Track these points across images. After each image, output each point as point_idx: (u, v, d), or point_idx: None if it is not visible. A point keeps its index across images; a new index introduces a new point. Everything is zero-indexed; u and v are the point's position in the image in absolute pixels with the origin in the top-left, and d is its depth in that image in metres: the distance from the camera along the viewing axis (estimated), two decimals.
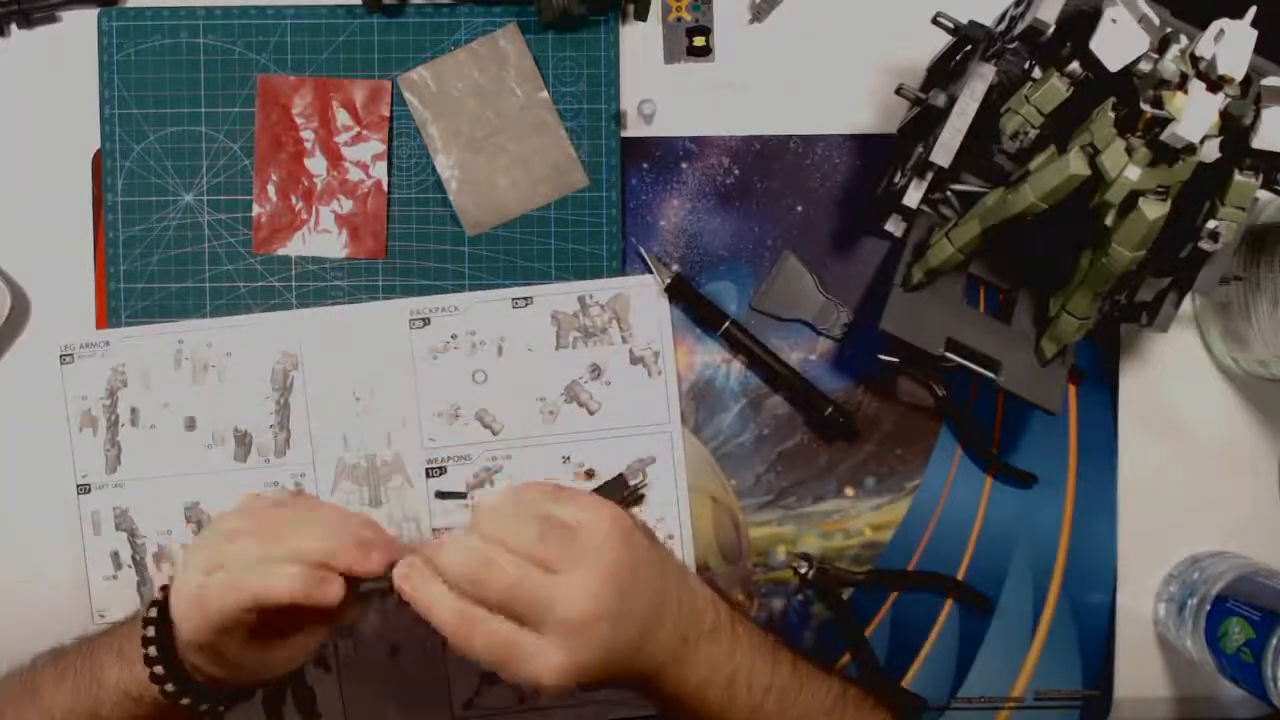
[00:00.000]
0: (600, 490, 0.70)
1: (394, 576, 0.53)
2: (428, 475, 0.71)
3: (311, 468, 0.71)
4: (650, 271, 0.72)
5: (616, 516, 0.54)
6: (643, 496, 0.70)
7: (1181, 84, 0.53)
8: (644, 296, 0.72)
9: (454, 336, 0.72)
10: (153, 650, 0.55)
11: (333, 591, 0.52)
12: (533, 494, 0.55)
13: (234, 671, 0.55)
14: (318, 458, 0.71)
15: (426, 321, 0.72)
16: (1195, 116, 0.52)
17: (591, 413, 0.72)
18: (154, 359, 0.71)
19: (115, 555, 0.71)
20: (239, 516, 0.56)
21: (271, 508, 0.57)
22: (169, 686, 0.55)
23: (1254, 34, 0.53)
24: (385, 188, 0.72)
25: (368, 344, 0.72)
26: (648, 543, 0.55)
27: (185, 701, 0.55)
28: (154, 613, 0.56)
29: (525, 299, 0.72)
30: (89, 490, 0.71)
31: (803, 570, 0.72)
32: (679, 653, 0.54)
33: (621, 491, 0.70)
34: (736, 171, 0.74)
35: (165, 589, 0.57)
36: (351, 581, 0.53)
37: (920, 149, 0.65)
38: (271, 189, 0.72)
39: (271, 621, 0.53)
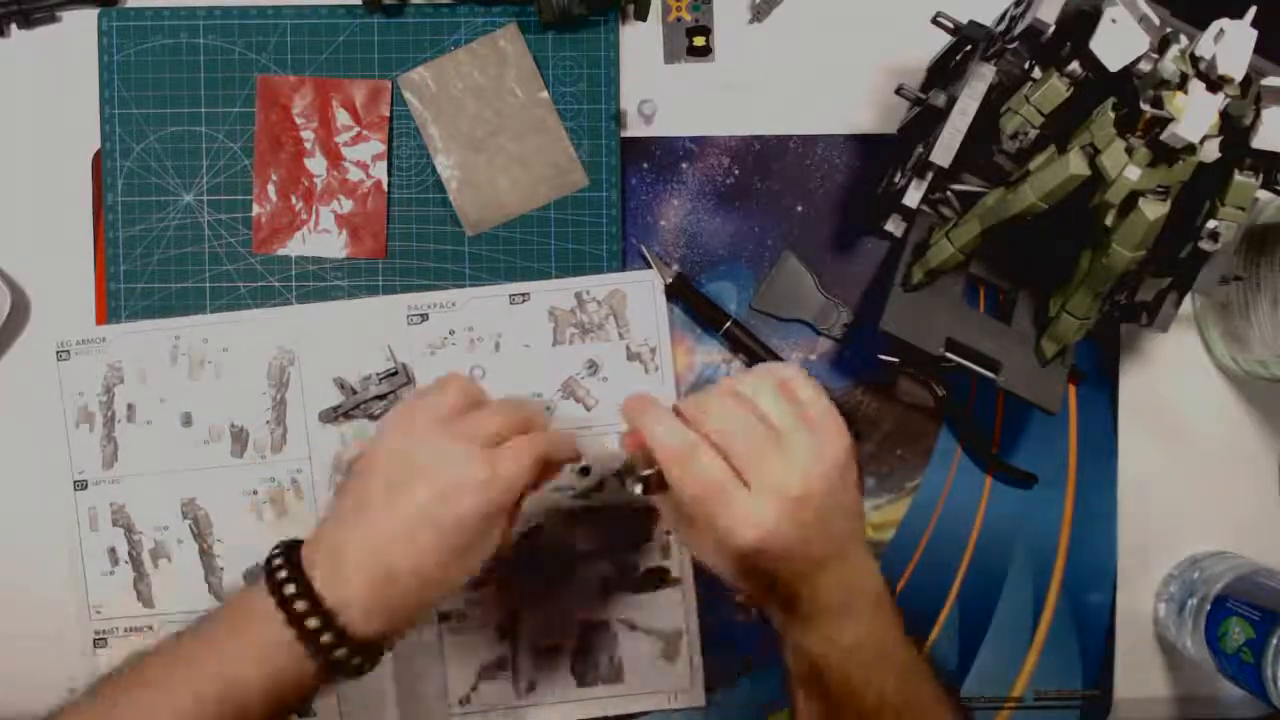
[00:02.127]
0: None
1: (623, 405, 0.55)
2: None
3: (308, 463, 0.71)
4: (649, 267, 0.72)
5: (846, 435, 0.54)
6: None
7: (1181, 84, 0.53)
8: (641, 292, 0.72)
9: (451, 332, 0.72)
10: (300, 605, 0.50)
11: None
12: (793, 372, 0.55)
13: (418, 607, 0.52)
14: (314, 453, 0.71)
15: (424, 317, 0.72)
16: (1195, 116, 0.52)
17: (589, 408, 0.72)
18: (150, 355, 0.71)
19: (112, 551, 0.71)
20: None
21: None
22: (325, 638, 0.50)
23: (1254, 34, 0.53)
24: (385, 188, 0.72)
25: (365, 339, 0.72)
26: (857, 479, 0.55)
27: (340, 653, 0.50)
28: (285, 573, 0.51)
29: (523, 295, 0.72)
30: (86, 486, 0.71)
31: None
32: (837, 610, 0.53)
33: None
34: (736, 171, 0.74)
35: (281, 553, 0.52)
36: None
37: (920, 149, 0.65)
38: (271, 189, 0.72)
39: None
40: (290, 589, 0.50)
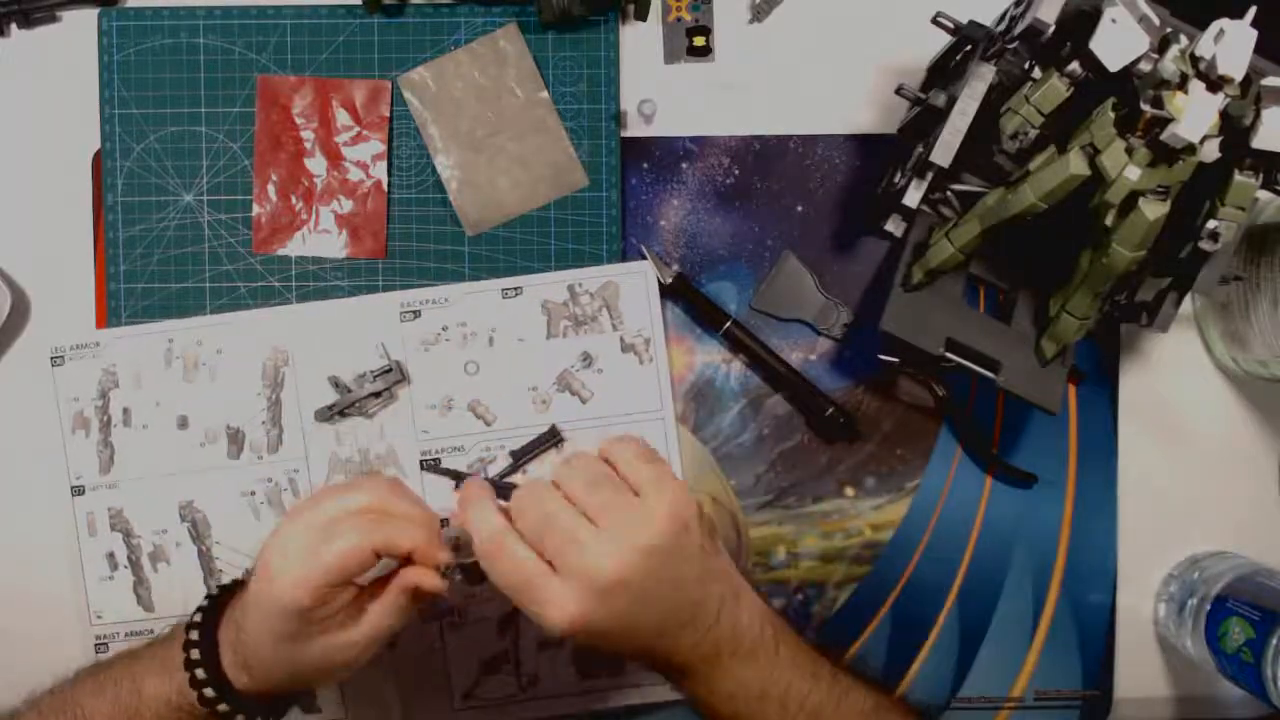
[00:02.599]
0: (533, 443, 0.71)
1: (460, 492, 0.56)
2: (422, 468, 0.71)
3: (304, 463, 0.71)
4: (642, 259, 0.72)
5: (680, 503, 0.53)
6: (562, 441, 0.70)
7: (1181, 84, 0.53)
8: (634, 284, 0.72)
9: (445, 328, 0.72)
10: (195, 654, 0.55)
11: (445, 555, 0.55)
12: (621, 449, 0.56)
13: (283, 676, 0.55)
14: (310, 453, 0.71)
15: (417, 314, 0.72)
16: (1195, 116, 0.52)
17: (584, 401, 0.72)
18: (145, 358, 0.71)
19: (111, 556, 0.71)
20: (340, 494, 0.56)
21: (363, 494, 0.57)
22: (209, 691, 0.55)
23: (1254, 34, 0.53)
24: (385, 188, 0.72)
25: (358, 337, 0.72)
26: (702, 543, 0.54)
27: (223, 709, 0.55)
28: (198, 617, 0.56)
29: (515, 289, 0.72)
30: (83, 492, 0.71)
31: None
32: (711, 660, 0.54)
33: (555, 439, 0.71)
34: (736, 171, 0.74)
35: (213, 597, 0.58)
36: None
37: (920, 149, 0.65)
38: (271, 189, 0.72)
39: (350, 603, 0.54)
40: (194, 634, 0.56)
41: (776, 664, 0.55)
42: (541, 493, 0.53)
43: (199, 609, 0.58)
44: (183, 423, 0.71)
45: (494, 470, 0.71)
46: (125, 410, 0.71)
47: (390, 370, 0.71)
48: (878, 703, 0.58)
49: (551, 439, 0.71)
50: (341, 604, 0.54)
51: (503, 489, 0.70)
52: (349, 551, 0.52)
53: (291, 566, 0.52)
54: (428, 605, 0.57)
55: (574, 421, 0.72)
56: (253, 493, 0.71)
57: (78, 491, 0.71)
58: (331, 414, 0.71)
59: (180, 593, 0.71)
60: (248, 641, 0.55)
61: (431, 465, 0.71)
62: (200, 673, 0.55)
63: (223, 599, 0.58)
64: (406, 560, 0.55)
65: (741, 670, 0.55)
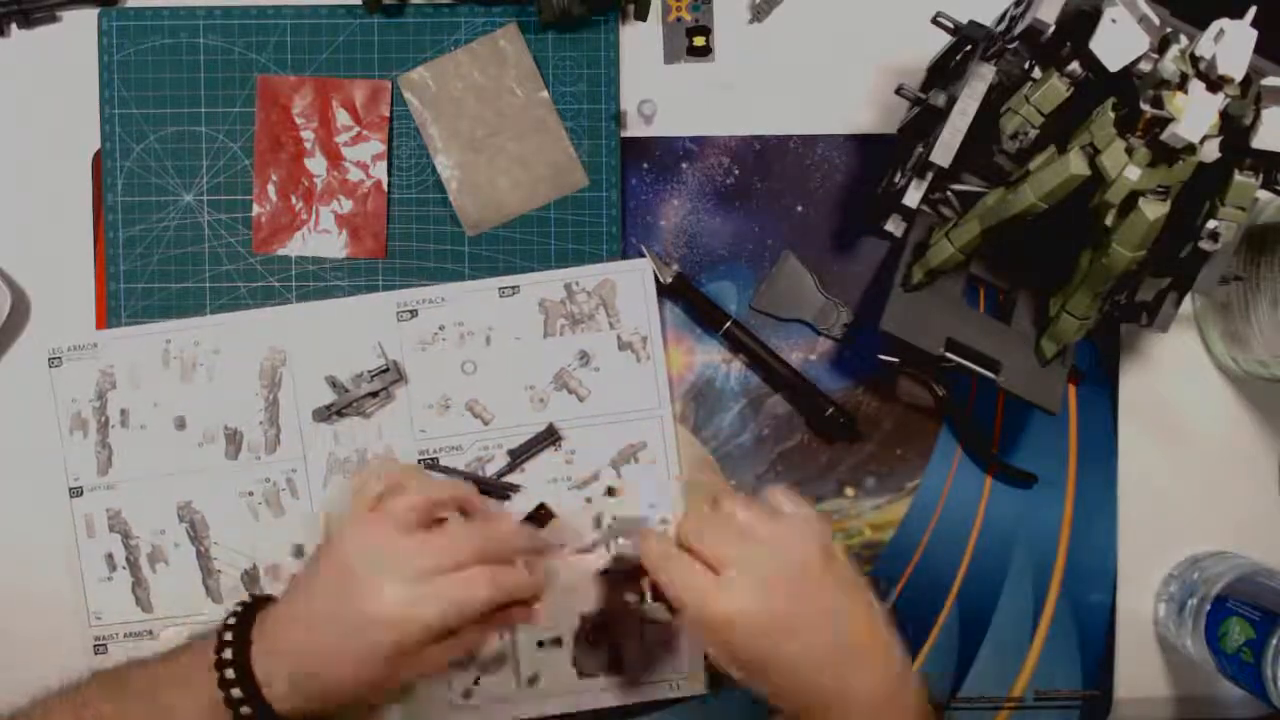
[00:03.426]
0: (531, 442, 0.71)
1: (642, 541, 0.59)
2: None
3: (303, 463, 0.71)
4: (641, 256, 0.72)
5: (820, 529, 0.57)
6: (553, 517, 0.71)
7: (1181, 84, 0.53)
8: (631, 282, 0.72)
9: (441, 328, 0.72)
10: (230, 673, 0.54)
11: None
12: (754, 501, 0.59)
13: (325, 703, 0.55)
14: (308, 453, 0.71)
15: (414, 313, 0.72)
16: (1195, 116, 0.52)
17: (581, 399, 0.72)
18: (142, 359, 0.71)
19: (110, 557, 0.71)
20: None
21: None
22: (245, 710, 0.54)
23: (1254, 34, 0.53)
24: (385, 188, 0.72)
25: (355, 337, 0.71)
26: (855, 577, 0.57)
27: None
28: (230, 636, 0.55)
29: (512, 288, 0.72)
30: (81, 493, 0.71)
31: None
32: (849, 714, 0.54)
33: (552, 437, 0.71)
34: (736, 171, 0.74)
35: (239, 611, 0.57)
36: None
37: (920, 149, 0.65)
38: (271, 189, 0.72)
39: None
40: (228, 653, 0.54)
41: None
42: (705, 518, 0.57)
43: (227, 627, 0.56)
44: (180, 423, 0.71)
45: (492, 469, 0.71)
46: (123, 411, 0.71)
47: (387, 370, 0.71)
48: None
49: (549, 437, 0.71)
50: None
51: (502, 489, 0.70)
52: (472, 605, 0.54)
53: (414, 606, 0.53)
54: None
55: (571, 420, 0.72)
56: (251, 493, 0.71)
57: (76, 493, 0.71)
58: (329, 414, 0.71)
59: (179, 593, 0.71)
60: (315, 678, 0.54)
61: (430, 465, 0.71)
62: (236, 692, 0.54)
63: (247, 616, 0.57)
64: None
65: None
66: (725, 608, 0.53)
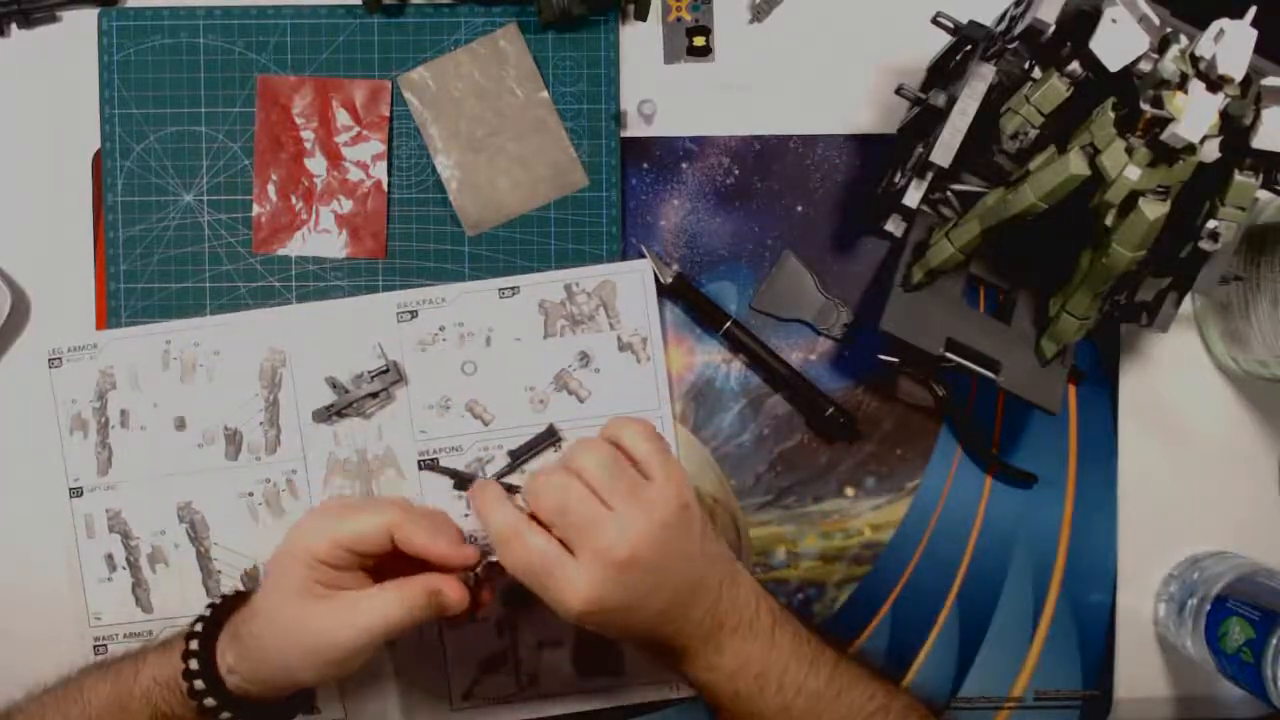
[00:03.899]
0: (531, 443, 0.71)
1: (472, 489, 0.58)
2: (420, 468, 0.71)
3: (303, 464, 0.71)
4: (641, 257, 0.72)
5: (684, 483, 0.56)
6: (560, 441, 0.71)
7: (1181, 84, 0.53)
8: (631, 282, 0.72)
9: (442, 328, 0.72)
10: (193, 664, 0.57)
11: (469, 551, 0.57)
12: (628, 431, 0.58)
13: (284, 655, 0.56)
14: (308, 454, 0.71)
15: (414, 314, 0.72)
16: (1195, 116, 0.52)
17: (581, 400, 0.72)
18: (142, 360, 0.71)
19: (110, 558, 0.71)
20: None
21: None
22: (209, 701, 0.56)
23: (1254, 34, 0.53)
24: (385, 188, 0.72)
25: (355, 338, 0.71)
26: (703, 523, 0.57)
27: (219, 712, 0.57)
28: (199, 627, 0.58)
29: (512, 289, 0.72)
30: (81, 493, 0.71)
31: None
32: (712, 638, 0.56)
33: (552, 438, 0.71)
34: (736, 171, 0.74)
35: (215, 604, 0.60)
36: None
37: (920, 149, 0.65)
38: (271, 189, 0.72)
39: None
40: (194, 644, 0.57)
41: (774, 646, 0.57)
42: (557, 478, 0.55)
43: (199, 618, 0.59)
44: (180, 424, 0.71)
45: (492, 470, 0.71)
46: (123, 412, 0.71)
47: (387, 371, 0.71)
48: (888, 701, 0.58)
49: (549, 438, 0.71)
50: (350, 572, 0.57)
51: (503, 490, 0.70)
52: (367, 526, 0.56)
53: (312, 523, 0.57)
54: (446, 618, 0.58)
55: (571, 421, 0.71)
56: (251, 494, 0.71)
57: (76, 493, 0.71)
58: (329, 415, 0.71)
59: (179, 594, 0.71)
60: (257, 621, 0.56)
61: (429, 465, 0.71)
62: (199, 684, 0.56)
63: (223, 612, 0.60)
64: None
65: (741, 646, 0.56)
66: (576, 600, 0.53)
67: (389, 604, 0.55)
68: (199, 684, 0.56)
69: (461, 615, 0.58)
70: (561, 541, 0.54)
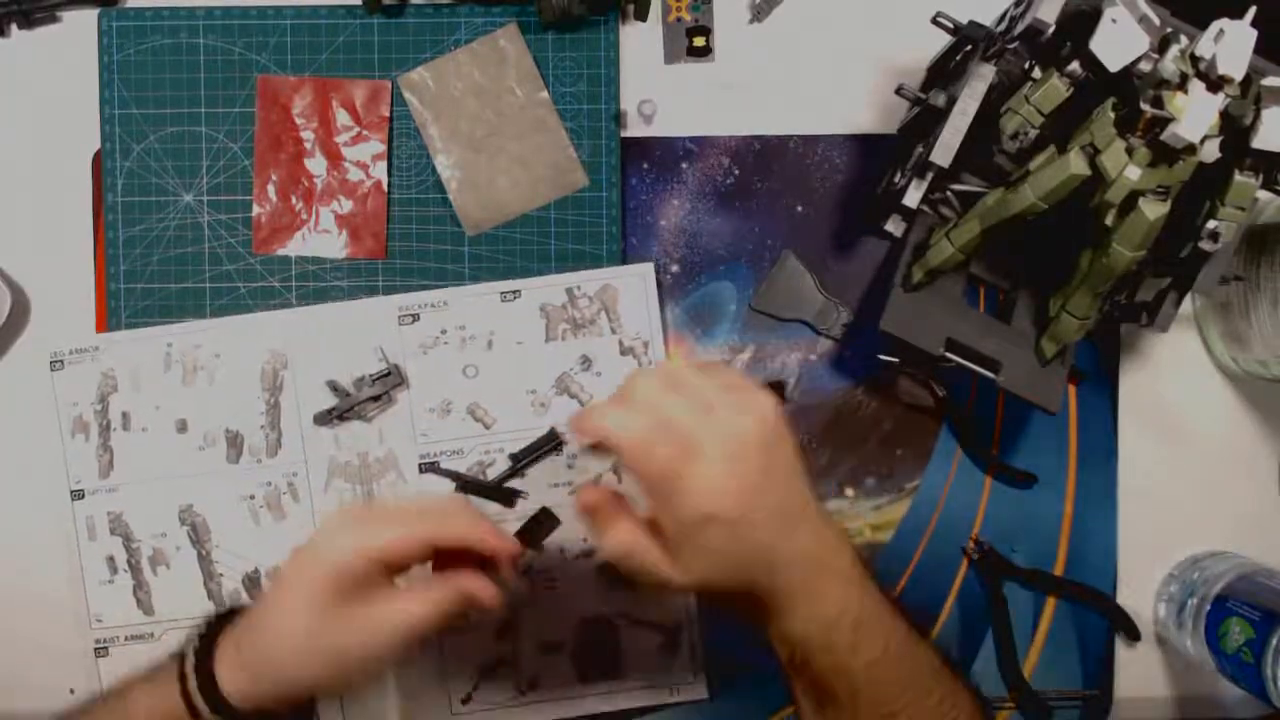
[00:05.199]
0: (532, 446, 0.71)
1: (571, 424, 0.54)
2: (421, 471, 0.71)
3: (304, 467, 0.71)
4: (643, 261, 0.72)
5: (774, 400, 0.53)
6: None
7: (1181, 84, 0.53)
8: (632, 286, 0.72)
9: (443, 331, 0.72)
10: (189, 667, 0.54)
11: (510, 545, 0.55)
12: (713, 361, 0.55)
13: (302, 670, 0.54)
14: (310, 457, 0.71)
15: (416, 317, 0.72)
16: (1195, 116, 0.52)
17: (583, 404, 0.72)
18: (143, 363, 0.71)
19: (111, 560, 0.71)
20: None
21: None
22: (203, 708, 0.54)
23: (1254, 34, 0.53)
24: (385, 188, 0.72)
25: (356, 341, 0.71)
26: (794, 448, 0.54)
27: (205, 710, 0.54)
28: (196, 643, 0.56)
29: (514, 292, 0.72)
30: (83, 496, 0.71)
31: (975, 555, 0.73)
32: (810, 583, 0.53)
33: (554, 442, 0.71)
34: (736, 171, 0.74)
35: (209, 620, 0.58)
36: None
37: (920, 149, 0.65)
38: (271, 189, 0.72)
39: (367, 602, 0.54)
40: (191, 654, 0.55)
41: (867, 590, 0.54)
42: (661, 386, 0.52)
43: (197, 635, 0.57)
44: (182, 426, 0.71)
45: (493, 473, 0.71)
46: (124, 414, 0.71)
47: (389, 374, 0.71)
48: (944, 661, 0.55)
49: (550, 442, 0.71)
50: (380, 587, 0.54)
51: (505, 495, 0.70)
52: (402, 540, 0.53)
53: (338, 533, 0.53)
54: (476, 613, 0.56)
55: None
56: (252, 496, 0.71)
57: (77, 495, 0.71)
58: (330, 418, 0.71)
59: (180, 596, 0.71)
60: (265, 635, 0.54)
61: (431, 468, 0.71)
62: (203, 705, 0.54)
63: (217, 628, 0.57)
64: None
65: (843, 591, 0.53)
66: (708, 497, 0.50)
67: (419, 606, 0.53)
68: (203, 706, 0.54)
69: (502, 602, 0.55)
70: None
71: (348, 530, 0.54)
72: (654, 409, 0.52)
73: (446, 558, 0.56)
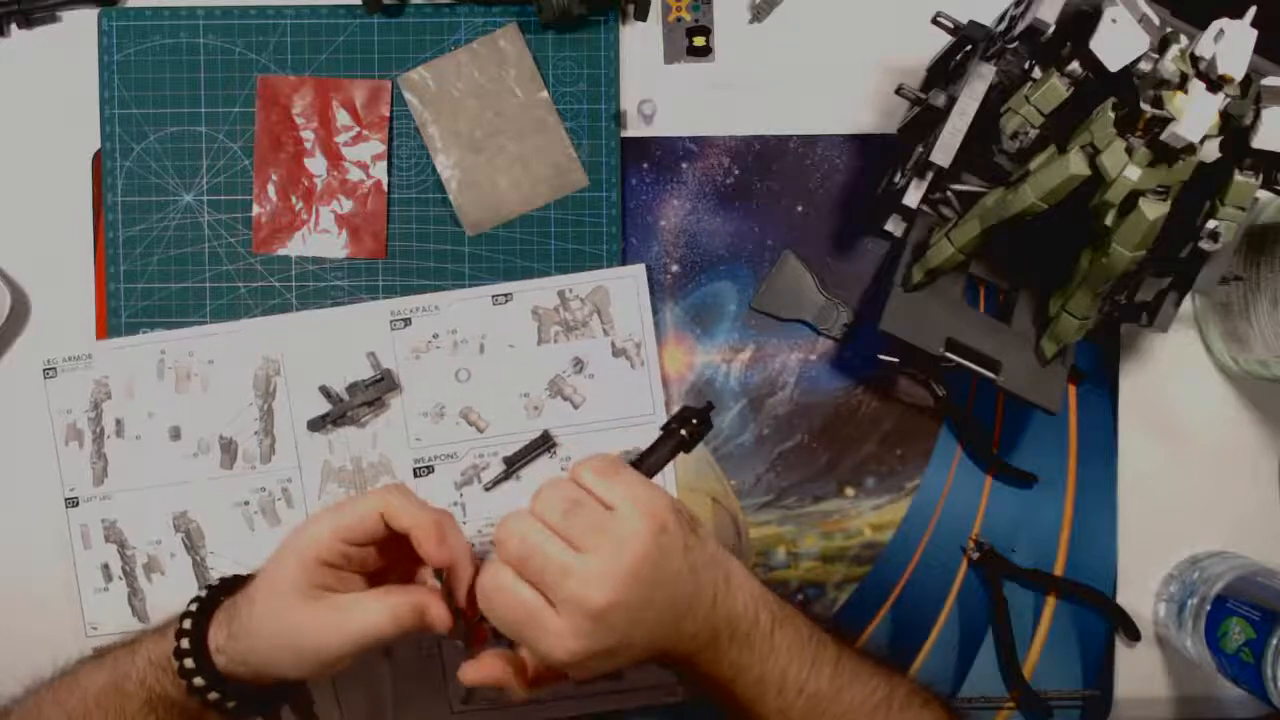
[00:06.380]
0: (526, 449, 0.71)
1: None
2: (415, 475, 0.71)
3: (298, 472, 0.71)
4: (639, 262, 0.72)
5: (656, 509, 0.53)
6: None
7: (1181, 84, 0.53)
8: (624, 288, 0.72)
9: (435, 336, 0.72)
10: (184, 643, 0.56)
11: (445, 556, 0.55)
12: (581, 470, 0.55)
13: (275, 647, 0.56)
14: (303, 462, 0.71)
15: (407, 322, 0.72)
16: (1195, 116, 0.52)
17: (576, 406, 0.72)
18: (137, 370, 0.71)
19: (106, 567, 0.71)
20: None
21: None
22: (197, 680, 0.56)
23: (1254, 34, 0.53)
24: (385, 188, 0.72)
25: (349, 346, 0.71)
26: (684, 538, 0.54)
27: (207, 692, 0.57)
28: (194, 606, 0.58)
29: (505, 295, 0.72)
30: (77, 503, 0.71)
31: (974, 555, 0.73)
32: (710, 646, 0.55)
33: (547, 444, 0.71)
34: (736, 171, 0.74)
35: (212, 587, 0.60)
36: None
37: (920, 149, 0.65)
38: (271, 189, 0.72)
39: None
40: (187, 623, 0.57)
41: (772, 650, 0.56)
42: (523, 525, 0.53)
43: (195, 598, 0.59)
44: (175, 433, 0.71)
45: (487, 477, 0.71)
46: (118, 421, 0.71)
47: (382, 379, 0.71)
48: (890, 692, 0.58)
49: (544, 444, 0.71)
50: (350, 575, 0.56)
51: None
52: (362, 510, 0.55)
53: (316, 520, 0.56)
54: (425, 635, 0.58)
55: (566, 427, 0.71)
56: (246, 503, 0.71)
57: (72, 503, 0.71)
58: (324, 424, 0.71)
59: (175, 603, 0.69)
60: (253, 611, 0.56)
61: (426, 472, 0.71)
62: (189, 662, 0.56)
63: (220, 592, 0.60)
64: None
65: (739, 655, 0.56)
66: (563, 653, 0.51)
67: (376, 614, 0.54)
68: (189, 662, 0.56)
69: (454, 636, 0.56)
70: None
71: (323, 516, 0.56)
72: (514, 549, 0.53)
73: (408, 560, 0.57)
